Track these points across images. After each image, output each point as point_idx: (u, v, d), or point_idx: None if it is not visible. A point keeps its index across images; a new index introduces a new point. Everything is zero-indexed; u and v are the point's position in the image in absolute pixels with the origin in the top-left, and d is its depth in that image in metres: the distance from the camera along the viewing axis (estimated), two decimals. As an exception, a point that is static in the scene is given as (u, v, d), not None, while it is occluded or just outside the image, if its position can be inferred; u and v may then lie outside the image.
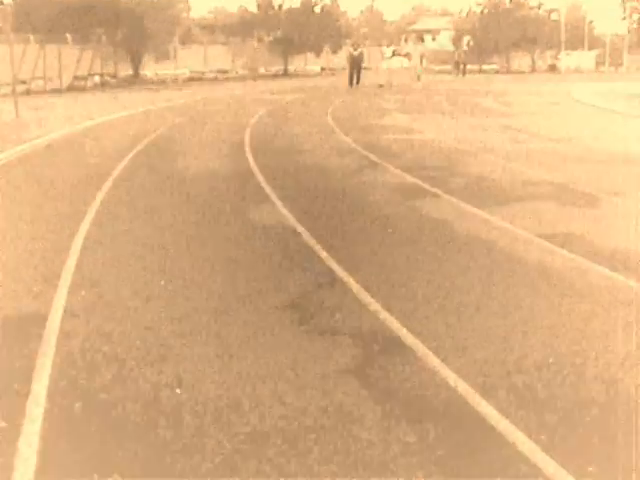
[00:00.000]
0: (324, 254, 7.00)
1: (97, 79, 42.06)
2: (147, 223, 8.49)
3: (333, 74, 58.87)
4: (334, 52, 60.80)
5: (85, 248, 7.32)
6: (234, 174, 11.91)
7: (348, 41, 47.12)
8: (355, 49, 39.96)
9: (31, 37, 37.09)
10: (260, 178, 11.34)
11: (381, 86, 38.29)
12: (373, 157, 13.42)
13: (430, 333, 5.01)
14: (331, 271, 6.48)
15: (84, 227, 8.19)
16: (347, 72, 40.59)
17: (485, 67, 67.74)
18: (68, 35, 39.46)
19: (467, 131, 18.23)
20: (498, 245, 7.28)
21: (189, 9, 53.87)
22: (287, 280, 6.20)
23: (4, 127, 18.94)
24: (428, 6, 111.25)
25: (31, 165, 13.20)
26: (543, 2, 70.95)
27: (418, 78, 39.66)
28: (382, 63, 40.94)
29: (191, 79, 48.53)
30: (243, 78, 52.64)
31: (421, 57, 40.46)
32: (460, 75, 55.33)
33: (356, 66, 39.56)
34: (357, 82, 39.20)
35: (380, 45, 44.69)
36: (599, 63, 70.11)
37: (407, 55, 43.52)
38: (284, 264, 6.76)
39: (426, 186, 10.52)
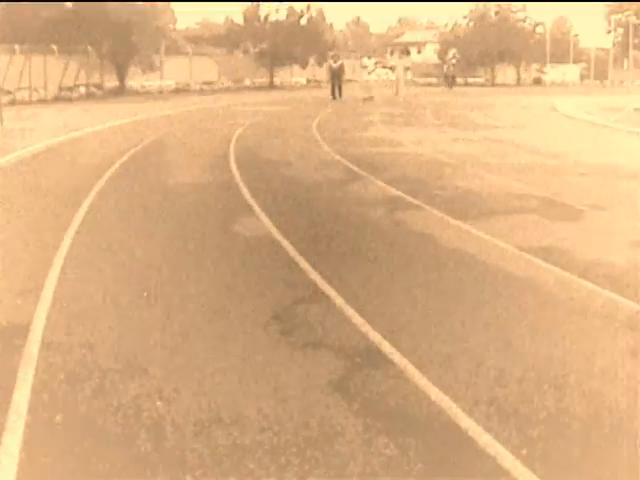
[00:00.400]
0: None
1: (83, 90, 42.08)
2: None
3: (319, 86, 59.02)
4: (320, 64, 61.01)
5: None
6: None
7: (330, 53, 47.34)
8: (335, 61, 40.10)
9: (17, 47, 37.08)
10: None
11: (365, 99, 38.40)
12: (357, 170, 13.44)
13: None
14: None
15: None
16: (330, 85, 40.77)
17: (470, 80, 68.11)
18: (54, 46, 39.46)
19: (453, 145, 18.31)
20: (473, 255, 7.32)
21: (175, 21, 53.92)
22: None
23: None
24: (414, 19, 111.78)
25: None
26: (529, 15, 71.49)
27: (399, 91, 39.81)
28: (364, 75, 41.11)
29: (177, 91, 48.61)
30: (229, 90, 52.74)
31: (405, 70, 40.57)
32: (452, 87, 55.76)
33: (336, 78, 39.72)
34: (339, 95, 39.29)
35: (369, 57, 44.90)
36: (584, 76, 70.63)
37: (392, 68, 43.71)
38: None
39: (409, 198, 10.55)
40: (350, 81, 47.28)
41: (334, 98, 38.93)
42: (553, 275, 6.67)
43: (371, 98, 38.49)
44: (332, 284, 6.31)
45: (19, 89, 36.86)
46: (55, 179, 12.66)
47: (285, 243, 7.85)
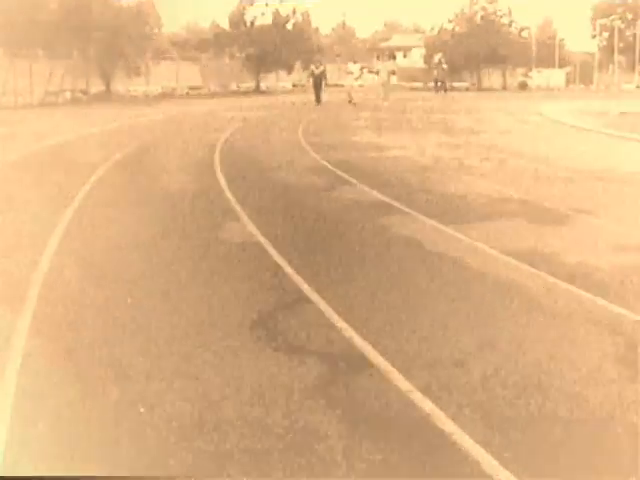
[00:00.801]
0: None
1: (68, 95, 41.93)
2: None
3: (304, 91, 58.95)
4: (305, 69, 60.91)
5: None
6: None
7: (314, 58, 47.36)
8: (317, 67, 40.20)
9: (0, 51, 36.94)
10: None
11: (350, 103, 38.33)
12: (343, 174, 13.42)
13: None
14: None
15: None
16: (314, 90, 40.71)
17: (456, 84, 68.12)
18: (39, 50, 39.34)
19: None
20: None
21: (161, 25, 53.78)
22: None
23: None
24: (400, 23, 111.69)
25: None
26: (514, 20, 71.49)
27: (385, 95, 39.69)
28: (349, 80, 41.03)
29: (163, 95, 48.47)
30: (214, 95, 52.64)
31: (389, 74, 40.51)
32: (442, 92, 55.50)
33: (318, 83, 39.78)
34: (318, 100, 39.29)
35: (354, 62, 44.77)
36: (569, 81, 70.70)
37: (378, 72, 43.63)
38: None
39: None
40: (337, 86, 47.20)
41: (318, 103, 38.91)
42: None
43: (354, 104, 38.36)
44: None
45: (4, 94, 36.71)
46: None
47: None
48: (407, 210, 10.01)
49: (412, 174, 13.73)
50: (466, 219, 9.40)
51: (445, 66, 58.94)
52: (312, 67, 41.42)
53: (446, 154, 16.87)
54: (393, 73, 41.52)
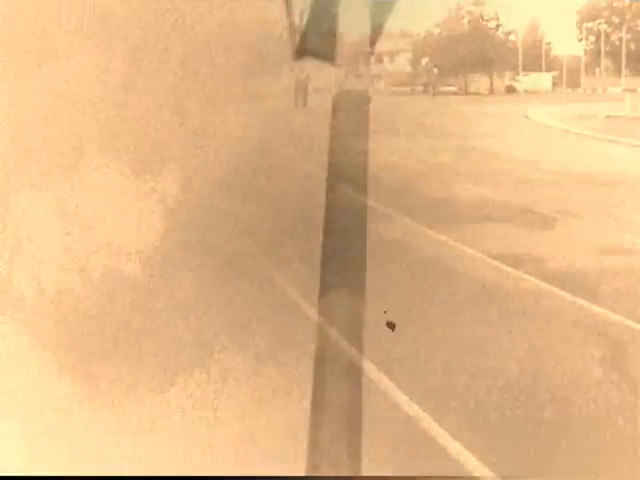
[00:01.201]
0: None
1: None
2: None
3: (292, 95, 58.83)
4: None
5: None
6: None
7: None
8: (301, 71, 40.25)
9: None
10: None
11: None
12: (324, 175, 13.37)
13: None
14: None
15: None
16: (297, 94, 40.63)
17: (443, 89, 68.19)
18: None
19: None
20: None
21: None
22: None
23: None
24: (387, 28, 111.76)
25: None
26: (501, 24, 71.50)
27: (368, 100, 39.69)
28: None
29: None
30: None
31: (374, 78, 40.64)
32: (431, 96, 55.74)
33: (302, 88, 39.75)
34: (304, 104, 39.26)
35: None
36: (556, 84, 70.80)
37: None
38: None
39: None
40: (323, 90, 47.18)
41: (301, 106, 38.86)
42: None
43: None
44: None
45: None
46: None
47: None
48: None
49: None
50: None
51: (436, 70, 59.13)
52: (296, 70, 41.45)
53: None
54: (380, 77, 41.56)
